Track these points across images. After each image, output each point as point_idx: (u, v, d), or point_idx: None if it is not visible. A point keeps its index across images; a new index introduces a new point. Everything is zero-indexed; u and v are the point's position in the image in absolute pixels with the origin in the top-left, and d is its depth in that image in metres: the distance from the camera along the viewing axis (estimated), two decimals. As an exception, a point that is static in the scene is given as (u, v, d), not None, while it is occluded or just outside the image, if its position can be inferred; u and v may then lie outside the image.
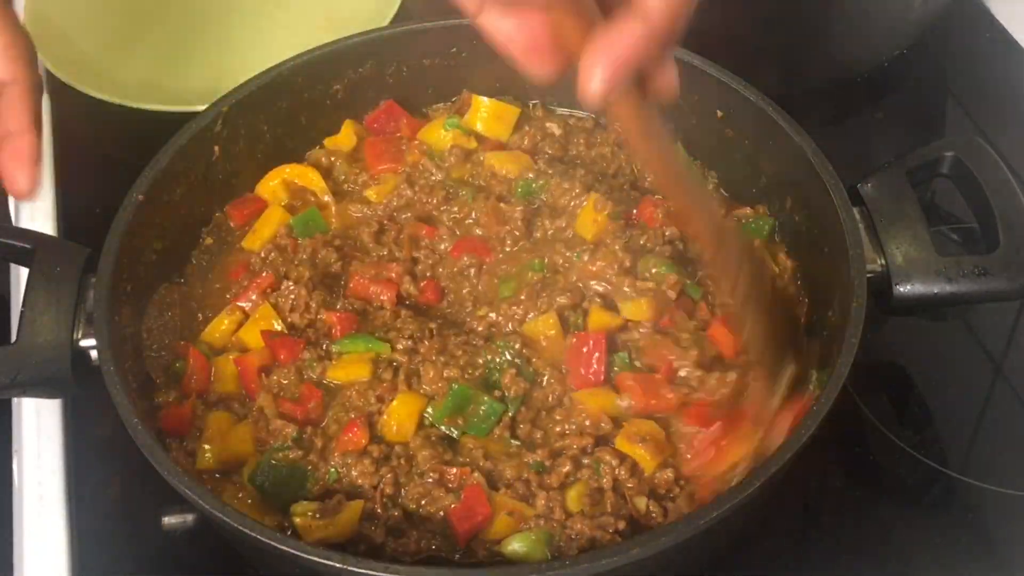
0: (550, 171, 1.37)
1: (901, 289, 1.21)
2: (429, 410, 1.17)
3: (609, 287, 1.24)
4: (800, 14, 1.59)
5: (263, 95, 1.37)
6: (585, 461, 1.13)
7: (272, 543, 0.98)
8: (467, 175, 1.39)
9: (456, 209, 1.35)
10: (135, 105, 1.60)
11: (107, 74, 1.69)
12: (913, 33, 1.73)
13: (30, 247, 1.20)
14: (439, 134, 1.43)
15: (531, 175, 1.37)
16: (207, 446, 1.15)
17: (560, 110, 1.50)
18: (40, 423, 1.32)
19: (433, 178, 1.38)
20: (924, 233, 1.23)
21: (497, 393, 1.17)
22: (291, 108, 1.40)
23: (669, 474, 1.12)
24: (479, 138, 1.44)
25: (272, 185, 1.39)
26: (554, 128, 1.45)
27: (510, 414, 1.17)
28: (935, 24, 1.76)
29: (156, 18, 1.82)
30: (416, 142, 1.43)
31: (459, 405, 1.16)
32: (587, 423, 1.15)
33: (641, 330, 1.20)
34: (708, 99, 1.40)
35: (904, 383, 1.42)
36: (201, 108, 1.34)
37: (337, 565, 0.96)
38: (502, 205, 1.33)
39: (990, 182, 1.26)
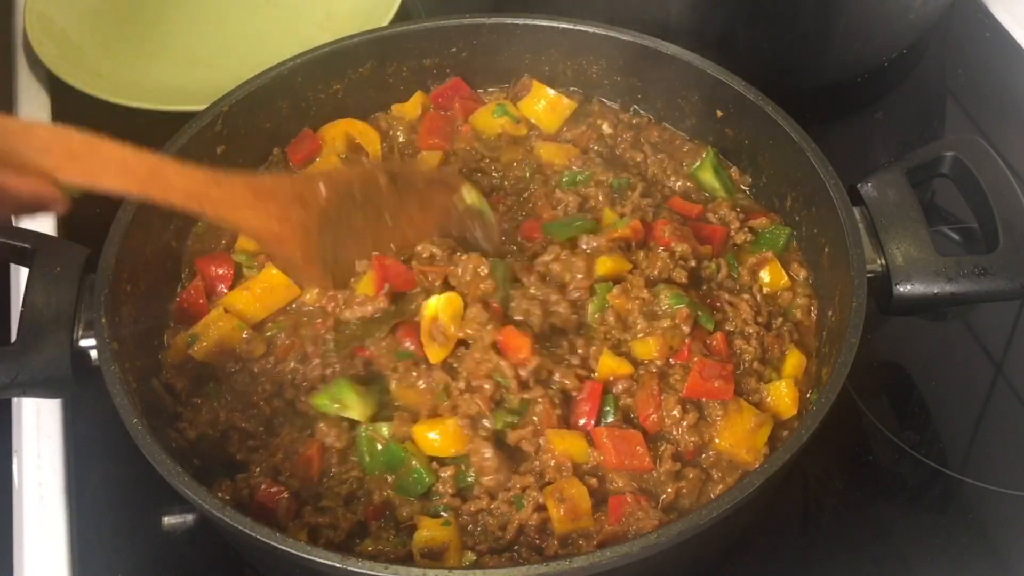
0: (598, 161, 1.38)
1: (901, 289, 1.21)
2: (365, 456, 1.15)
3: (627, 324, 1.21)
4: (800, 14, 1.59)
5: (263, 95, 1.37)
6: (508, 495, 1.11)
7: (272, 543, 0.98)
8: (518, 158, 1.40)
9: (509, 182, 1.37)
10: (135, 105, 1.61)
11: (107, 74, 1.69)
12: (913, 33, 1.73)
13: (30, 247, 1.21)
14: (489, 120, 1.44)
15: (576, 168, 1.38)
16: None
17: (610, 103, 1.49)
18: (40, 423, 1.32)
19: (483, 162, 1.39)
20: (924, 233, 1.23)
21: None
22: (291, 108, 1.40)
23: (580, 542, 1.09)
24: (528, 125, 1.45)
25: (334, 132, 1.42)
26: (605, 126, 1.45)
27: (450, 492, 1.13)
28: (935, 24, 1.76)
29: (156, 18, 1.82)
30: (467, 126, 1.44)
31: (390, 464, 1.14)
32: (551, 463, 1.12)
33: (652, 368, 1.18)
34: (708, 99, 1.40)
35: (904, 383, 1.42)
36: (201, 108, 1.34)
37: (337, 565, 0.96)
38: (558, 192, 1.34)
39: (990, 182, 1.26)
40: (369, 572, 0.96)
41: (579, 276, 1.23)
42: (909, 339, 1.45)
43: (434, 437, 1.12)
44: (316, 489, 1.13)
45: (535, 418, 1.13)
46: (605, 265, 1.23)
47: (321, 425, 1.15)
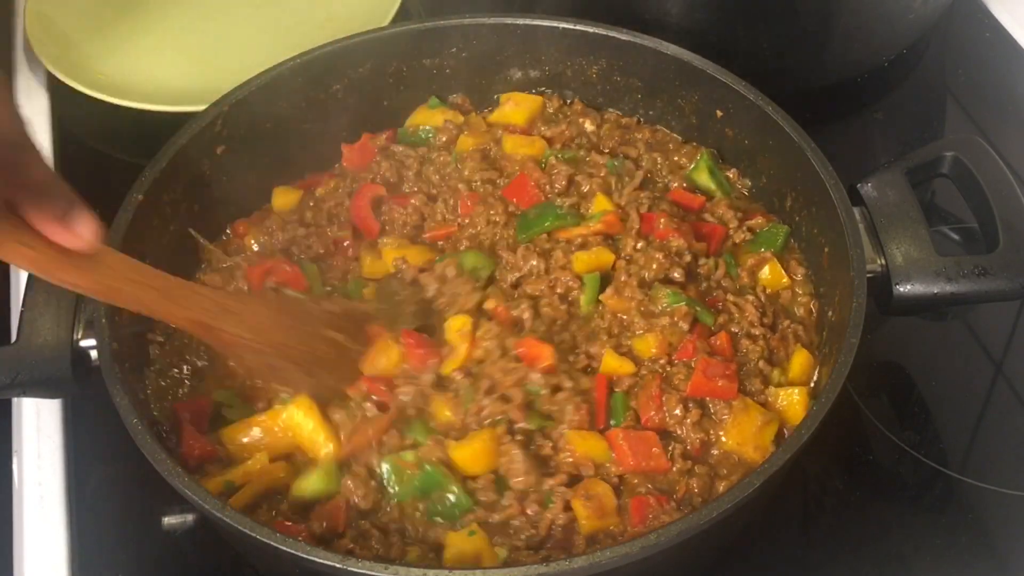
0: (581, 152, 1.39)
1: (901, 289, 1.21)
2: (392, 487, 1.12)
3: (624, 324, 1.22)
4: (800, 14, 1.59)
5: (263, 95, 1.37)
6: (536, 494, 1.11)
7: (272, 543, 0.98)
8: (479, 144, 1.40)
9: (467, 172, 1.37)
10: (135, 105, 1.61)
11: (107, 74, 1.69)
12: (913, 33, 1.73)
13: (30, 247, 1.20)
14: (427, 115, 1.45)
15: (558, 146, 1.39)
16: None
17: (610, 105, 1.49)
18: (40, 423, 1.32)
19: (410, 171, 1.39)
20: (924, 233, 1.23)
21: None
22: (291, 108, 1.40)
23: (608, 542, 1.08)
24: (503, 126, 1.45)
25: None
26: (587, 124, 1.46)
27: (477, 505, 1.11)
28: (935, 24, 1.76)
29: (157, 19, 1.82)
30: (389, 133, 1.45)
31: (425, 489, 1.12)
32: (568, 460, 1.12)
33: (655, 367, 1.18)
34: (708, 99, 1.40)
35: (904, 383, 1.42)
36: (201, 108, 1.34)
37: (337, 565, 0.96)
38: (552, 159, 1.35)
39: (990, 182, 1.26)
40: (369, 572, 0.96)
41: (563, 270, 1.24)
42: (909, 339, 1.45)
43: (469, 456, 1.11)
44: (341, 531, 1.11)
45: (565, 421, 1.14)
46: (581, 261, 1.24)
47: (348, 482, 1.11)
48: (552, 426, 1.14)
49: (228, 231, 1.38)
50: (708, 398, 1.16)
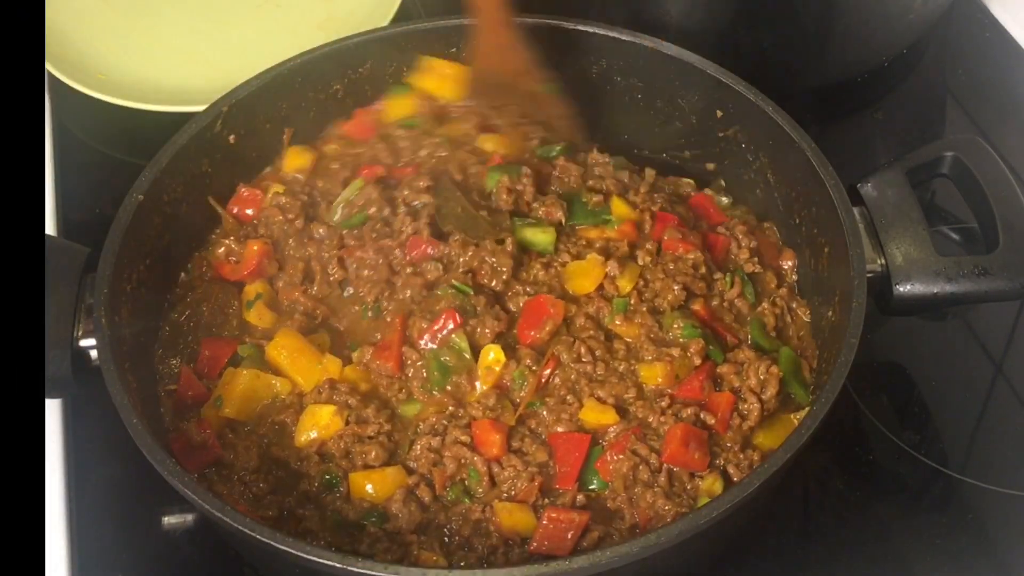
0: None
1: (901, 289, 1.21)
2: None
3: (632, 347, 1.20)
4: (800, 14, 1.59)
5: (263, 95, 1.37)
6: None
7: (272, 543, 0.98)
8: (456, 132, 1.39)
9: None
10: (135, 105, 1.60)
11: (107, 74, 1.69)
12: (913, 33, 1.73)
13: (30, 247, 1.20)
14: (398, 105, 1.43)
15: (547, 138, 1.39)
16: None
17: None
18: (40, 423, 1.32)
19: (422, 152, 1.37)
20: (924, 233, 1.23)
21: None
22: (291, 108, 1.40)
23: None
24: (432, 99, 1.44)
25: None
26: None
27: None
28: (935, 24, 1.76)
29: (156, 19, 1.82)
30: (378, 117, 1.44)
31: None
32: (494, 537, 1.09)
33: (649, 406, 1.15)
34: (708, 99, 1.40)
35: (904, 383, 1.42)
36: (201, 108, 1.34)
37: (337, 565, 0.96)
38: (562, 160, 1.35)
39: (990, 182, 1.26)
40: (369, 572, 0.96)
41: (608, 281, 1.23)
42: (909, 339, 1.45)
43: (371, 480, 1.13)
44: None
45: (512, 491, 1.12)
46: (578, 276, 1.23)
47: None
48: (473, 503, 1.11)
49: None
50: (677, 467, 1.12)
